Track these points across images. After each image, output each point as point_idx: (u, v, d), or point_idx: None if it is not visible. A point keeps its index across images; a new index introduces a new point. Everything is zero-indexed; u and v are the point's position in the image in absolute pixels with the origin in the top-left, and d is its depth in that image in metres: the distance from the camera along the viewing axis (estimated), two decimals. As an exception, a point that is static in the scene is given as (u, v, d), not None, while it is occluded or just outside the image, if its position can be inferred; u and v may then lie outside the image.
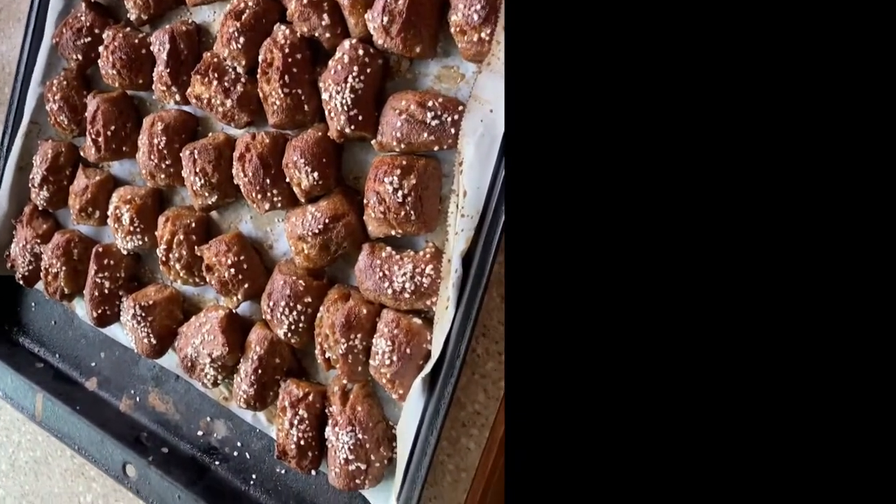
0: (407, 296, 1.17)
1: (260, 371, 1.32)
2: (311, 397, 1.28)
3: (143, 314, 1.45)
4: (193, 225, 1.42)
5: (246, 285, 1.35)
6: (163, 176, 1.45)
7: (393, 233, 1.17)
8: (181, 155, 1.37)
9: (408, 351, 1.16)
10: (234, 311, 1.38)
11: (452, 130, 1.11)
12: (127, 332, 1.49)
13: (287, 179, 1.27)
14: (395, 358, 1.16)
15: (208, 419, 1.51)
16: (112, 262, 1.54)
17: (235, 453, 1.47)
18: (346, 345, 1.21)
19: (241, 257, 1.35)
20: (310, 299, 1.27)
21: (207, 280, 1.38)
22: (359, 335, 1.21)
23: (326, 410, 1.27)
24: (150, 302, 1.46)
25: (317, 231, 1.23)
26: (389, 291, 1.18)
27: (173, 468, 1.45)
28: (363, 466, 1.24)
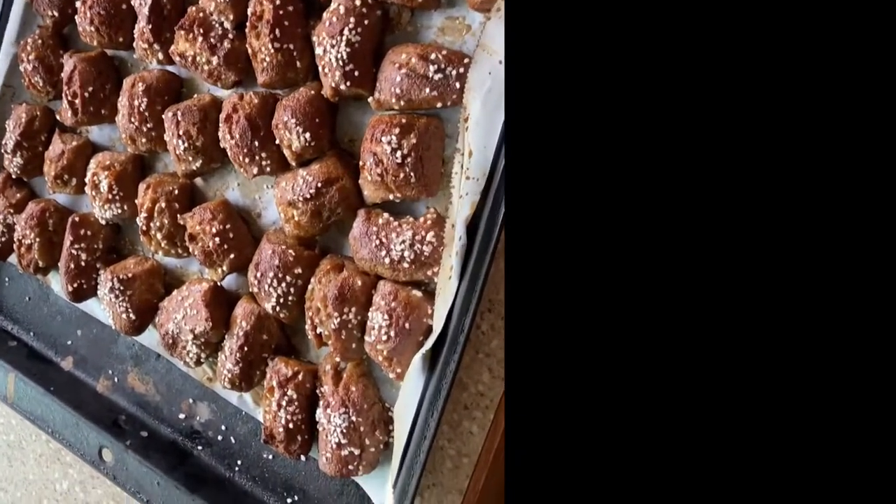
0: (406, 265, 1.11)
1: (246, 348, 1.26)
2: (300, 377, 1.23)
3: (122, 288, 1.39)
4: (176, 192, 1.36)
5: (232, 256, 1.29)
6: (144, 140, 1.38)
7: (391, 197, 1.11)
8: (164, 117, 1.31)
9: (406, 326, 1.10)
10: (218, 283, 1.32)
11: (457, 85, 1.04)
12: (105, 308, 1.43)
13: (277, 142, 1.21)
14: (392, 333, 1.10)
15: (191, 401, 1.46)
16: (89, 232, 1.47)
17: (219, 437, 1.42)
18: (339, 319, 1.15)
19: (227, 226, 1.29)
20: (300, 270, 1.21)
21: (191, 251, 1.31)
22: (353, 309, 1.15)
23: (317, 391, 1.22)
24: (130, 275, 1.39)
25: (308, 196, 1.17)
26: (387, 261, 1.12)
27: (153, 453, 1.40)
28: (357, 451, 1.18)
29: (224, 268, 1.30)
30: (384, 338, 1.11)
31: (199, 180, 1.39)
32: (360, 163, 1.13)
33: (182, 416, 1.47)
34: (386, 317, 1.11)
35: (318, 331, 1.18)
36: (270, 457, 1.36)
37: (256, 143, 1.22)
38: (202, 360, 1.33)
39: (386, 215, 1.14)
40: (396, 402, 1.12)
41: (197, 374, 1.41)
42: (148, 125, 1.36)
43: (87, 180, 1.44)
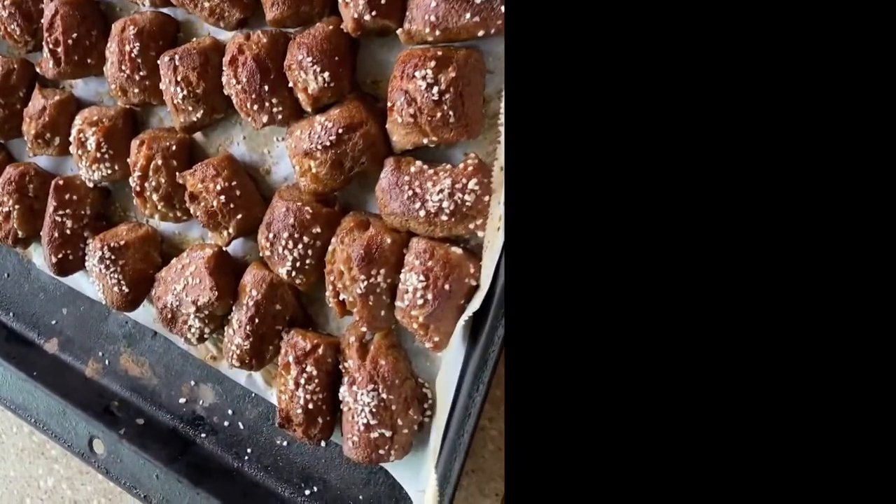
0: (444, 218, 1.02)
1: (257, 320, 1.17)
2: (321, 350, 1.14)
3: (113, 257, 1.29)
4: (174, 148, 1.26)
5: (239, 216, 1.20)
6: (136, 90, 1.28)
7: (425, 141, 1.02)
8: (159, 63, 1.22)
9: (446, 287, 1.01)
10: (224, 248, 1.23)
11: (502, 9, 0.94)
12: (94, 281, 1.34)
13: (290, 85, 1.11)
14: (429, 296, 1.01)
15: (192, 383, 1.38)
16: (75, 197, 1.36)
17: (226, 423, 1.34)
18: (365, 283, 1.06)
19: (233, 182, 1.19)
20: (318, 229, 1.12)
21: (192, 212, 1.23)
22: (381, 270, 1.06)
23: (340, 366, 1.15)
24: (122, 242, 1.30)
25: (328, 143, 1.08)
26: (422, 214, 1.03)
27: (150, 443, 1.32)
28: (388, 433, 1.09)
29: (230, 230, 1.21)
30: (419, 302, 1.02)
31: (199, 136, 1.30)
32: (388, 104, 1.04)
33: (183, 400, 1.38)
34: (422, 278, 1.02)
35: (342, 297, 1.10)
36: (285, 443, 1.29)
37: (266, 88, 1.12)
38: (205, 335, 1.25)
39: (419, 163, 1.05)
40: (438, 375, 1.05)
41: (199, 353, 1.34)
42: (141, 73, 1.26)
43: (71, 139, 1.34)
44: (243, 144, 1.27)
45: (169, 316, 1.25)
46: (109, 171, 1.33)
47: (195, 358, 1.35)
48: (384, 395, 1.08)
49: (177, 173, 1.24)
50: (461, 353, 1.01)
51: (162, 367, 1.40)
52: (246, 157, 1.26)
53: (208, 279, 1.20)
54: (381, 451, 1.09)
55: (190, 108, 1.22)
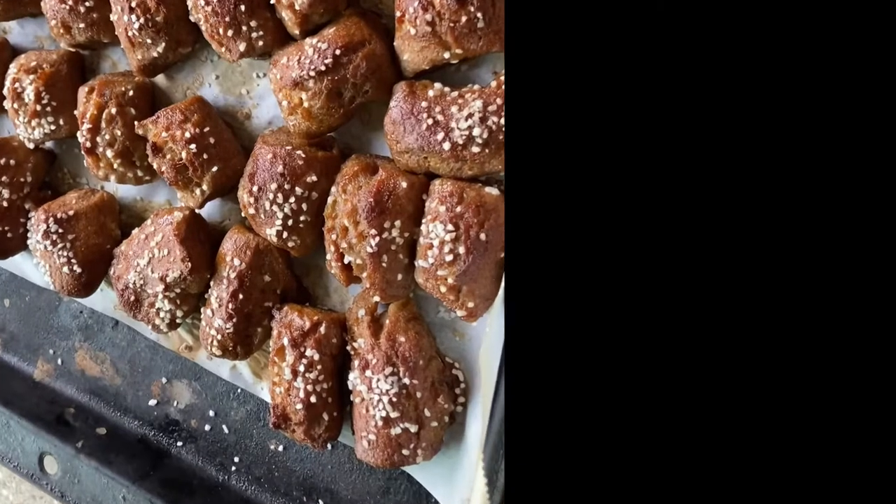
0: (475, 150, 0.91)
1: (241, 296, 1.06)
2: (323, 329, 1.03)
3: (61, 231, 1.17)
4: (131, 94, 1.15)
5: (214, 168, 1.08)
6: (82, 26, 1.15)
7: (446, 56, 0.92)
8: None
9: (481, 237, 0.91)
10: (197, 211, 1.13)
11: None
12: (39, 262, 1.23)
13: (272, 1, 1.00)
14: (461, 250, 0.91)
15: (164, 381, 1.28)
16: (12, 161, 1.24)
17: (207, 427, 1.24)
18: (377, 239, 0.95)
19: (205, 128, 1.08)
20: (314, 177, 1.01)
21: (156, 168, 1.10)
22: (397, 222, 0.95)
23: (348, 348, 1.04)
24: (71, 213, 1.18)
25: (323, 68, 0.96)
26: (446, 146, 0.92)
27: (114, 456, 1.23)
28: (413, 428, 0.98)
29: (204, 186, 1.09)
30: (448, 258, 0.92)
31: (161, 79, 1.19)
32: (398, 13, 0.94)
33: (153, 402, 1.29)
34: (450, 227, 0.91)
35: (346, 261, 0.99)
36: (281, 448, 1.19)
37: (242, 8, 1.00)
38: (178, 320, 1.14)
39: (438, 85, 0.95)
40: (480, 351, 0.97)
41: (171, 343, 1.24)
42: (87, 4, 1.13)
43: (5, 91, 1.23)
44: (216, 85, 1.16)
45: (132, 299, 1.14)
46: (53, 128, 1.21)
47: (166, 350, 1.26)
48: (406, 381, 0.97)
49: (136, 122, 1.11)
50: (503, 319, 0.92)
51: (126, 362, 1.30)
52: (220, 100, 1.15)
53: (178, 249, 1.08)
54: (406, 452, 0.98)
55: (149, 41, 1.10)
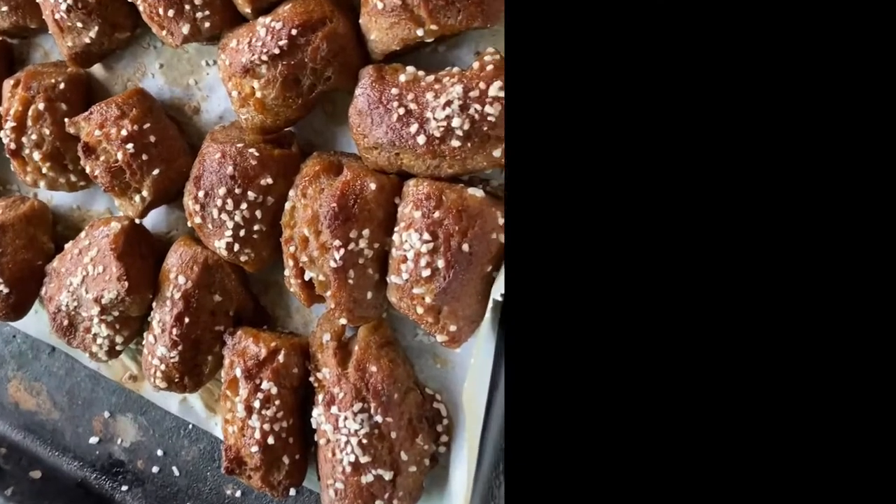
0: (455, 144, 0.83)
1: (187, 320, 0.99)
2: (281, 357, 0.96)
3: None
4: (62, 87, 1.08)
5: (156, 171, 1.01)
6: (5, 9, 1.11)
7: (420, 33, 0.85)
8: None
9: (464, 248, 0.84)
10: (137, 221, 1.06)
11: None
12: None
13: None
14: (439, 264, 0.84)
15: (107, 415, 1.21)
16: None
17: (155, 469, 1.18)
18: (342, 251, 0.88)
19: (146, 125, 1.01)
20: (269, 180, 0.94)
21: (89, 173, 1.03)
22: (365, 231, 0.88)
23: (311, 378, 0.97)
24: None
25: (277, 51, 0.89)
26: (421, 140, 0.84)
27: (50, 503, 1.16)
28: (388, 475, 0.91)
29: (144, 192, 1.02)
30: (425, 273, 0.84)
31: (98, 69, 1.13)
32: None
33: (94, 439, 1.23)
34: (426, 236, 0.84)
35: (308, 276, 0.92)
36: (238, 493, 1.13)
37: None
38: (118, 347, 1.07)
39: (411, 69, 0.88)
40: (465, 383, 0.89)
41: (113, 372, 1.18)
42: None
43: None
44: (160, 75, 1.09)
45: (65, 323, 1.06)
46: (-28, 128, 1.15)
47: (108, 380, 1.20)
48: (378, 419, 0.90)
49: (66, 119, 1.05)
50: (492, 344, 0.87)
51: (64, 394, 1.24)
52: (165, 92, 1.09)
53: (115, 265, 1.00)
54: (379, 503, 0.91)
55: (79, 25, 1.04)
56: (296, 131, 0.99)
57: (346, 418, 0.89)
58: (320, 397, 0.93)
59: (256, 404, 0.93)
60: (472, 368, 0.88)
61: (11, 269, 1.10)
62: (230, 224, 0.93)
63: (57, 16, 1.02)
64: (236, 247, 0.95)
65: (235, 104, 0.94)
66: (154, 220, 1.08)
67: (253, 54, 0.89)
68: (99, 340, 1.04)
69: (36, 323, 1.20)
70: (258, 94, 0.91)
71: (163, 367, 0.99)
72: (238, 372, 0.94)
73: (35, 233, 1.13)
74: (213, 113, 1.05)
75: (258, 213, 0.93)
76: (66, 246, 1.09)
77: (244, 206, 0.92)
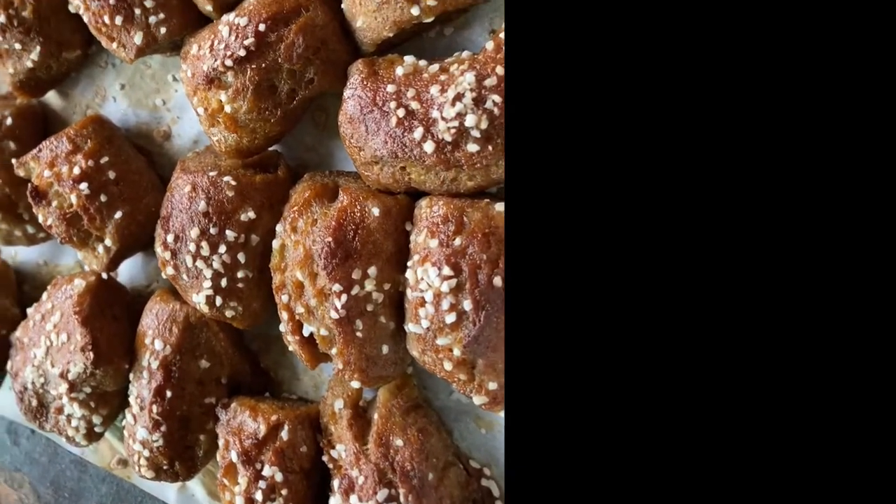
0: (473, 148, 0.72)
1: (169, 394, 0.90)
2: (284, 434, 0.86)
3: None
4: (9, 122, 1.03)
5: (118, 214, 0.93)
6: None
7: (415, 12, 0.75)
8: None
9: (496, 282, 0.72)
10: (104, 275, 0.98)
11: None
12: None
13: None
14: (466, 305, 0.73)
15: None
16: None
17: None
18: (344, 297, 0.78)
19: (103, 159, 0.93)
20: (251, 214, 0.85)
21: (41, 222, 0.95)
22: (370, 270, 0.78)
23: (324, 458, 0.86)
24: None
25: (243, 53, 0.80)
26: (428, 147, 0.74)
27: None
28: None
29: (108, 241, 0.94)
30: (449, 318, 0.74)
31: (53, 98, 1.06)
32: None
33: None
34: (447, 270, 0.74)
35: (306, 330, 0.82)
36: None
37: None
38: (97, 429, 0.97)
39: (410, 59, 0.78)
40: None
41: (99, 457, 1.09)
42: None
43: None
44: (123, 98, 1.02)
45: (33, 403, 0.98)
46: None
47: (96, 466, 1.10)
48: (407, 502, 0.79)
49: (13, 161, 0.97)
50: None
51: (48, 485, 1.14)
52: (130, 117, 1.02)
53: (80, 332, 0.92)
54: None
55: (18, 47, 0.98)
56: (282, 150, 0.90)
57: (369, 508, 0.73)
58: (336, 483, 0.81)
59: (259, 496, 0.83)
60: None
61: (-27, 345, 1.00)
62: (208, 273, 0.83)
63: (-7, 40, 0.93)
64: (218, 300, 0.85)
65: (204, 123, 0.85)
66: (130, 271, 0.99)
67: (216, 60, 0.80)
68: (74, 422, 0.96)
69: (10, 402, 1.08)
70: (227, 109, 0.82)
71: (146, 452, 0.89)
72: (234, 455, 0.83)
73: (-4, 296, 1.03)
74: (187, 137, 0.96)
75: (241, 257, 0.83)
76: (29, 311, 0.99)
77: (223, 248, 0.83)
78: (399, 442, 0.80)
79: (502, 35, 0.75)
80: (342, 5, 0.81)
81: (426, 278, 0.74)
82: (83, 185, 0.90)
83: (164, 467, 0.89)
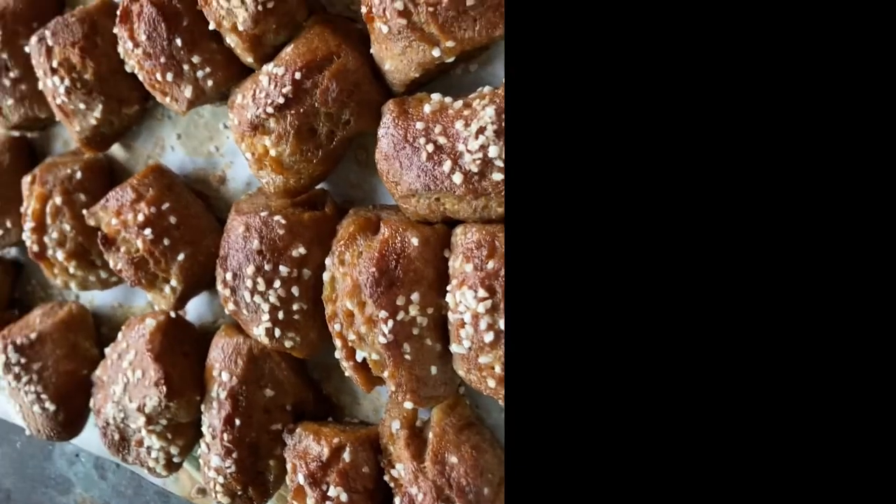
0: (498, 177, 0.76)
1: (238, 422, 0.94)
2: (346, 455, 0.89)
3: (24, 361, 1.08)
4: (79, 176, 1.07)
5: (181, 256, 0.97)
6: (11, 102, 1.12)
7: (436, 54, 0.79)
8: (28, 48, 1.05)
9: None
10: (172, 314, 1.02)
11: None
12: (10, 401, 1.14)
13: (212, 26, 0.91)
14: (502, 324, 0.77)
15: None
16: None
17: None
18: (391, 323, 0.81)
19: (164, 205, 0.98)
20: (302, 250, 0.88)
21: (112, 266, 1.01)
22: (414, 296, 0.81)
23: (386, 477, 0.90)
24: (33, 336, 1.09)
25: (282, 101, 0.84)
26: (457, 178, 0.78)
27: None
28: None
29: (173, 282, 0.99)
30: (487, 337, 0.77)
31: (117, 150, 1.11)
32: (364, 9, 0.83)
33: None
34: (482, 293, 0.77)
35: (359, 356, 0.85)
36: None
37: (179, 43, 0.91)
38: (175, 459, 1.02)
39: (436, 97, 0.82)
40: None
41: (180, 487, 1.13)
42: (11, 75, 1.09)
43: None
44: (180, 147, 1.06)
45: (116, 437, 1.03)
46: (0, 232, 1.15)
47: (178, 497, 1.15)
48: None
49: (84, 211, 1.04)
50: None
51: None
52: (187, 164, 1.06)
53: (153, 368, 0.96)
54: None
55: (82, 106, 1.02)
56: (329, 188, 0.93)
57: (432, 522, 0.78)
58: (398, 501, 0.85)
59: (327, 514, 0.84)
60: None
61: (56, 384, 1.07)
62: (265, 307, 0.87)
63: (58, 101, 1.02)
64: (277, 332, 0.88)
65: (253, 167, 0.88)
66: (198, 309, 1.04)
67: (258, 108, 0.85)
68: (154, 454, 1.00)
69: (97, 438, 1.12)
70: (272, 153, 0.86)
71: (221, 479, 0.94)
72: (301, 478, 0.87)
73: (76, 339, 1.11)
74: (240, 180, 1.01)
75: (295, 290, 0.87)
76: (106, 351, 1.06)
77: (277, 283, 0.86)
78: (454, 459, 0.83)
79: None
80: (371, 50, 0.84)
81: (464, 301, 0.77)
82: (147, 231, 0.95)
83: (239, 493, 0.94)
